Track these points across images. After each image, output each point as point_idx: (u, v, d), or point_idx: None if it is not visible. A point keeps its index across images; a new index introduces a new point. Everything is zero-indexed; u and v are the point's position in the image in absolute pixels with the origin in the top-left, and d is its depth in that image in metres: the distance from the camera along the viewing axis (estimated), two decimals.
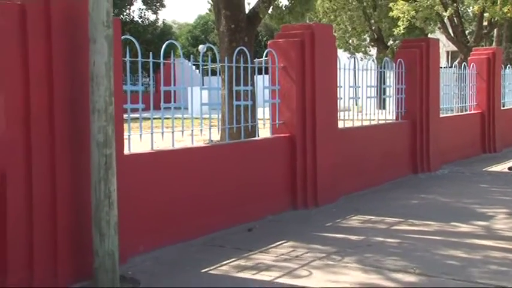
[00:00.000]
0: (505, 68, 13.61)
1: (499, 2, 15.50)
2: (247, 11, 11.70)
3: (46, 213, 4.54)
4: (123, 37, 5.29)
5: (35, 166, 4.45)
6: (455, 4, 17.29)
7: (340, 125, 8.03)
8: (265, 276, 4.75)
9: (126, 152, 5.27)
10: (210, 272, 4.91)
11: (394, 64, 9.77)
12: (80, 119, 4.69)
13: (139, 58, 5.47)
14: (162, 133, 5.72)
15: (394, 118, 9.93)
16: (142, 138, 5.61)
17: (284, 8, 12.93)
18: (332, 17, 22.71)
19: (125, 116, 5.29)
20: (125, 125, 5.11)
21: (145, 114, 5.86)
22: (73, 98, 4.71)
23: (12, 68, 4.36)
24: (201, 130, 6.47)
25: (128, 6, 31.09)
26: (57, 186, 4.59)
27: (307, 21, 11.78)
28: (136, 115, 5.82)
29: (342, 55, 8.47)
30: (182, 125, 6.09)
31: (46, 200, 4.53)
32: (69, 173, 4.70)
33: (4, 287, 4.30)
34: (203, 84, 7.28)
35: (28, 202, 4.41)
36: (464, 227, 6.20)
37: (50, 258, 4.56)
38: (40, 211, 4.49)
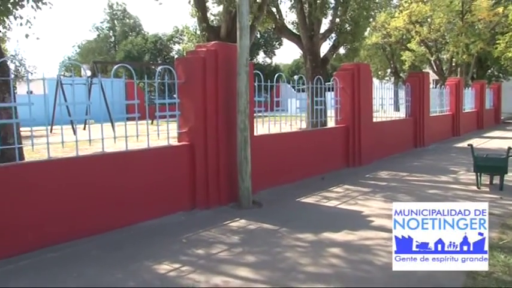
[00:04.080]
0: (465, 88, 18.43)
1: (460, 52, 21.84)
2: (321, 56, 16.80)
3: (214, 167, 6.24)
4: (254, 71, 6.83)
5: (209, 142, 6.16)
6: (437, 53, 24.45)
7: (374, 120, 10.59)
8: (330, 203, 6.42)
9: (255, 134, 6.91)
10: (301, 200, 6.65)
11: (404, 86, 13.07)
12: (231, 116, 6.30)
13: (262, 83, 7.14)
14: (274, 123, 7.61)
15: (404, 116, 13.00)
16: (264, 127, 7.50)
17: (342, 55, 18.44)
18: (369, 59, 31.97)
19: (254, 114, 6.95)
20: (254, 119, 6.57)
21: (265, 114, 7.65)
22: (228, 104, 6.32)
23: (197, 89, 6.06)
24: (296, 122, 8.76)
25: (256, 56, 45.84)
26: (220, 153, 6.28)
27: (355, 62, 16.16)
28: (260, 114, 7.49)
29: (375, 80, 12.41)
30: (285, 120, 7.98)
31: (214, 161, 6.23)
32: (226, 146, 6.33)
33: (195, 207, 6.05)
34: (296, 97, 9.23)
35: (205, 161, 6.14)
36: (443, 178, 8.24)
37: (216, 190, 6.26)
38: (212, 166, 6.20)
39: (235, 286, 3.67)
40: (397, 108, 15.39)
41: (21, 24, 7.68)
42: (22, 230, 4.46)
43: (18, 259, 4.29)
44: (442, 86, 17.37)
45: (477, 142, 13.68)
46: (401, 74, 34.65)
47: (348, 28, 17.54)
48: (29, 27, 7.28)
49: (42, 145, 5.16)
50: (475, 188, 7.31)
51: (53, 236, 4.65)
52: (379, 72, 36.89)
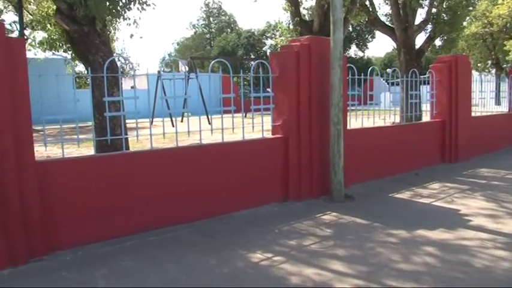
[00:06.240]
0: None
1: None
2: (416, 48, 16.16)
3: (307, 160, 6.22)
4: (347, 65, 6.68)
5: (302, 135, 6.15)
6: None
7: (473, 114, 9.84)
8: (424, 200, 6.16)
9: (348, 127, 6.82)
10: (394, 195, 6.47)
11: (507, 78, 11.71)
12: (325, 109, 6.26)
13: (356, 76, 7.03)
14: (367, 118, 7.39)
15: (507, 111, 11.88)
16: (357, 121, 7.31)
17: (438, 47, 17.59)
18: (467, 51, 29.76)
19: (348, 108, 6.80)
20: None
21: (358, 107, 7.40)
22: (321, 98, 6.27)
23: (291, 82, 6.07)
24: (389, 117, 8.66)
25: (348, 49, 45.45)
26: (312, 146, 6.25)
27: (452, 53, 15.00)
28: (353, 108, 7.22)
29: (474, 73, 11.23)
30: (378, 114, 7.72)
31: (307, 154, 6.21)
32: (319, 139, 6.29)
33: (287, 199, 6.09)
34: (390, 90, 9.09)
35: (298, 154, 6.14)
36: None
37: (309, 183, 6.25)
38: (304, 159, 6.19)
39: (327, 278, 3.62)
40: (498, 102, 14.20)
41: (129, 25, 8.16)
42: (127, 213, 4.74)
43: (124, 240, 4.59)
44: None
45: None
46: (504, 66, 31.84)
47: (445, 18, 16.58)
48: (136, 27, 7.77)
49: (144, 136, 5.43)
50: None
51: (153, 221, 4.91)
52: (479, 64, 34.28)
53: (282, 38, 16.87)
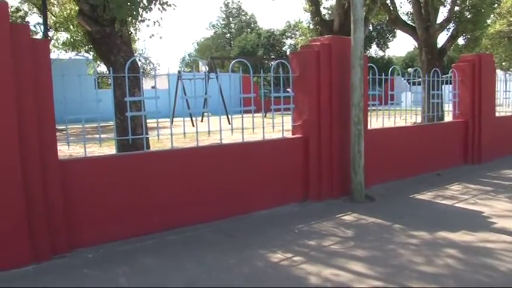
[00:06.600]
0: None
1: None
2: (438, 47, 15.92)
3: (327, 160, 6.19)
4: (368, 65, 6.60)
5: (322, 135, 6.14)
6: None
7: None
8: (447, 201, 6.06)
9: (369, 127, 6.75)
10: (415, 196, 6.39)
11: None
12: (345, 110, 6.23)
13: (377, 76, 7.00)
14: (388, 118, 7.34)
15: None
16: (378, 121, 7.32)
17: (461, 46, 17.29)
18: (492, 49, 28.00)
19: (368, 108, 6.69)
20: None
21: (379, 107, 7.33)
22: (341, 98, 6.24)
23: (312, 82, 6.05)
24: (410, 117, 8.52)
25: (368, 48, 45.26)
26: (333, 146, 6.20)
27: (476, 52, 14.61)
28: (374, 108, 7.20)
29: (498, 72, 10.80)
30: (399, 114, 7.59)
31: (328, 154, 6.20)
32: (339, 139, 6.27)
33: (307, 199, 6.09)
34: (411, 90, 8.87)
35: (318, 154, 6.13)
36: None
37: (329, 183, 6.21)
38: (325, 159, 6.16)
39: (347, 279, 3.60)
40: None
41: (148, 26, 8.23)
42: (147, 212, 4.78)
43: (144, 238, 4.63)
44: None
45: None
46: None
47: (469, 16, 16.28)
48: (159, 25, 7.85)
49: (164, 136, 5.48)
50: None
51: (173, 220, 4.94)
52: (503, 63, 33.68)
53: (302, 37, 16.86)
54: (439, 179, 7.54)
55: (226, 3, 63.46)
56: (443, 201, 6.14)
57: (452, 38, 16.83)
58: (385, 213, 5.54)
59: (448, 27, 17.00)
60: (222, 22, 64.32)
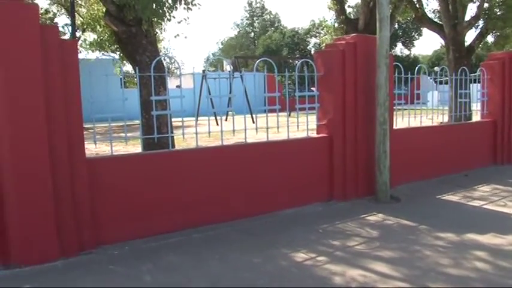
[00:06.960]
0: None
1: None
2: (466, 45, 15.73)
3: (352, 160, 6.17)
4: (394, 63, 6.49)
5: (347, 134, 6.11)
6: None
7: None
8: (474, 203, 5.95)
9: (394, 127, 6.69)
10: (442, 197, 6.29)
11: None
12: (370, 109, 6.17)
13: (402, 75, 6.93)
14: (414, 117, 7.23)
15: None
16: (404, 120, 7.16)
17: (490, 43, 17.08)
18: None
19: (394, 107, 6.63)
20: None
21: (405, 107, 7.23)
22: (367, 97, 6.19)
23: (337, 81, 6.01)
24: (437, 116, 8.34)
25: (393, 47, 44.66)
26: (358, 146, 6.18)
27: (506, 50, 14.56)
28: (399, 107, 7.08)
29: None
30: (425, 113, 7.49)
31: (352, 153, 6.16)
32: (364, 139, 6.22)
33: (332, 199, 6.05)
34: (438, 89, 8.71)
35: (343, 153, 6.10)
36: None
37: (354, 183, 6.20)
38: (350, 158, 6.14)
39: (372, 280, 3.56)
40: None
41: (175, 22, 8.27)
42: (172, 210, 4.82)
43: (168, 236, 4.66)
44: None
45: None
46: None
47: (499, 13, 15.87)
48: (187, 24, 7.96)
49: (189, 134, 5.52)
50: None
51: (198, 219, 4.96)
52: None
53: (327, 36, 16.74)
54: (467, 180, 7.40)
55: (250, 2, 63.56)
56: (471, 203, 6.02)
57: (481, 35, 16.49)
58: (410, 213, 5.47)
59: (476, 24, 16.64)
60: (246, 21, 64.44)
